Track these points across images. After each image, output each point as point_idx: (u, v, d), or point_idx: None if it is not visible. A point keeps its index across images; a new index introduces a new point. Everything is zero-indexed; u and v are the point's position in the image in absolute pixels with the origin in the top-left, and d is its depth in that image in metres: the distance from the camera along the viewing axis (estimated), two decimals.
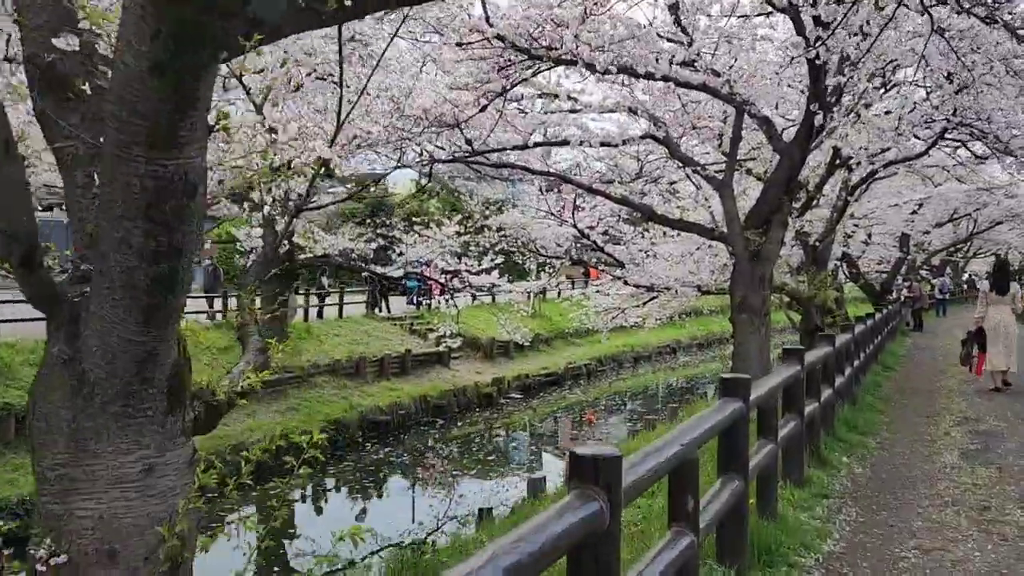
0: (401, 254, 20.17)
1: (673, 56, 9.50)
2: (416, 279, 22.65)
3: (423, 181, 18.23)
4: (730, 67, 10.31)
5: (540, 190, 17.33)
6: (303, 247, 19.51)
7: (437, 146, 10.81)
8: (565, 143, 10.66)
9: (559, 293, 32.35)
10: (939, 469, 7.24)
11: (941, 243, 36.78)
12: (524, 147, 10.79)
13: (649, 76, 9.30)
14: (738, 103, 10.46)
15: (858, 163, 16.91)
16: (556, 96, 11.16)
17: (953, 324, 28.28)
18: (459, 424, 19.74)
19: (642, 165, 14.46)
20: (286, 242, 19.27)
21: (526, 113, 10.53)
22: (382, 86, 9.57)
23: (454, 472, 16.30)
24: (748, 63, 10.91)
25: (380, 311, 25.45)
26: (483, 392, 22.25)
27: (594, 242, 16.93)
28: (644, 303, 19.48)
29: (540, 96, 11.29)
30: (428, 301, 26.96)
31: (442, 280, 23.24)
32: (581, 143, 10.73)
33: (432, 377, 22.04)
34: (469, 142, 10.46)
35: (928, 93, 14.29)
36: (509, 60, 8.84)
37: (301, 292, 22.68)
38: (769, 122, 11.35)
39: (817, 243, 17.44)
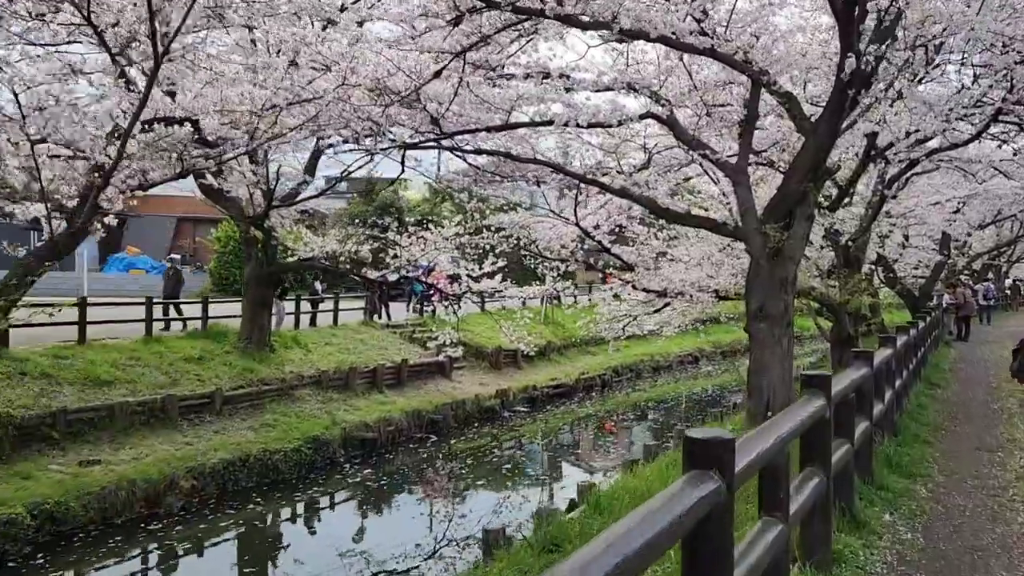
0: (395, 256, 18.75)
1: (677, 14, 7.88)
2: (420, 283, 21.15)
3: (426, 178, 16.62)
4: (745, 30, 8.65)
5: (560, 192, 15.75)
6: (289, 249, 18.19)
7: (401, 125, 9.25)
8: (549, 123, 9.06)
9: (575, 299, 30.73)
10: (1019, 534, 5.47)
11: (982, 246, 34.55)
12: (503, 127, 9.20)
13: (641, 36, 7.67)
14: (754, 72, 8.78)
15: (895, 153, 15.16)
16: (547, 75, 9.57)
17: (1001, 333, 26.15)
18: (454, 441, 18.15)
19: (650, 155, 12.77)
20: (271, 244, 17.94)
21: (500, 88, 8.92)
22: (312, 48, 8.03)
23: (436, 495, 14.71)
24: (766, 28, 9.24)
25: (379, 318, 23.98)
26: (485, 405, 20.65)
27: (599, 242, 15.27)
28: (657, 310, 17.77)
29: (527, 77, 9.70)
30: (432, 307, 25.43)
31: (441, 285, 21.90)
32: (568, 124, 9.11)
33: (430, 389, 20.49)
34: (435, 121, 8.89)
35: (976, 76, 12.52)
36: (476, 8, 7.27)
37: (290, 298, 21.29)
38: (791, 98, 9.66)
39: (850, 243, 15.61)
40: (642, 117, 9.57)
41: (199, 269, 33.51)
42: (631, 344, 30.79)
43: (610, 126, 9.35)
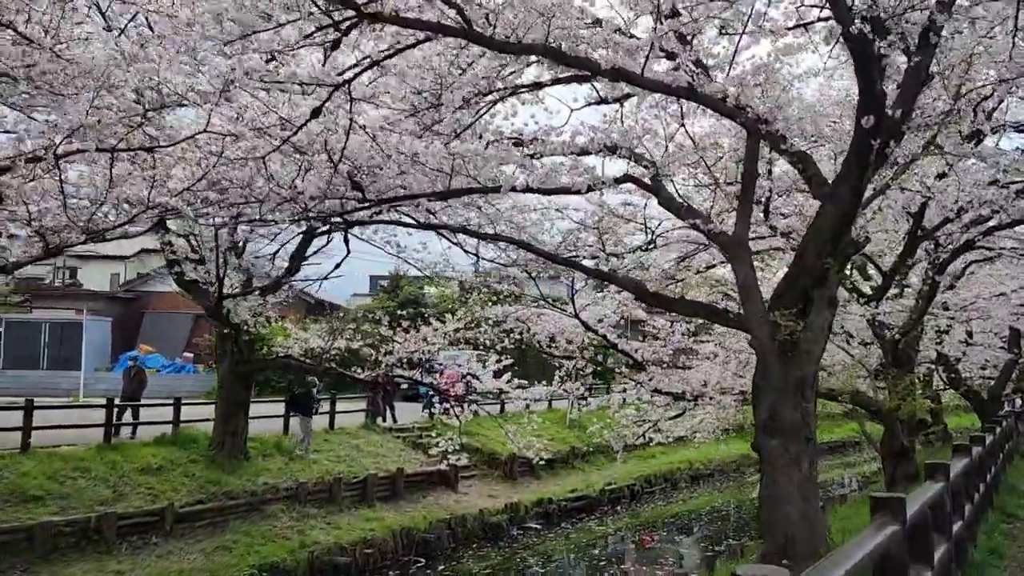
0: (389, 353, 17.06)
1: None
2: (423, 384, 19.32)
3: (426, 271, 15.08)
4: (732, 64, 6.97)
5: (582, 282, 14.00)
6: (266, 342, 16.63)
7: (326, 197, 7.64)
8: (496, 190, 7.37)
9: (608, 399, 28.44)
10: None
11: None
12: (443, 194, 7.53)
13: (596, 71, 6.02)
14: (750, 121, 7.01)
15: (948, 235, 13.09)
16: (519, 143, 7.97)
17: None
18: (443, 567, 15.85)
19: (653, 234, 10.92)
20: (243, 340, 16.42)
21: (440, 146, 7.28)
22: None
23: None
24: (765, 72, 7.54)
25: (384, 421, 22.10)
26: (490, 521, 18.36)
27: (604, 337, 13.35)
28: (678, 414, 15.57)
29: (493, 140, 8.11)
30: (445, 410, 23.45)
31: (451, 385, 20.03)
32: (518, 188, 7.42)
33: (429, 503, 18.35)
34: (357, 186, 7.27)
35: None
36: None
37: (279, 399, 19.62)
38: (805, 157, 7.85)
39: (898, 338, 13.37)
40: (619, 181, 7.83)
41: (211, 368, 32.29)
42: (667, 450, 28.24)
43: (576, 192, 7.61)
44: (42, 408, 14.63)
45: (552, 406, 28.03)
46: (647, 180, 7.80)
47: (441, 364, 22.99)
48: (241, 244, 14.89)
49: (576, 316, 12.82)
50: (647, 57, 6.21)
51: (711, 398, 13.30)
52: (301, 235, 15.58)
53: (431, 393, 22.88)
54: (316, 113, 5.50)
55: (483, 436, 21.88)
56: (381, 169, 7.13)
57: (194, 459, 15.18)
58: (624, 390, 15.81)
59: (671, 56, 6.77)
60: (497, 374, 18.17)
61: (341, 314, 32.27)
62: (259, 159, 6.03)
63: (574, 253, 9.58)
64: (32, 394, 23.70)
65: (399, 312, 25.80)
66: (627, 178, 7.83)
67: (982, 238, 11.88)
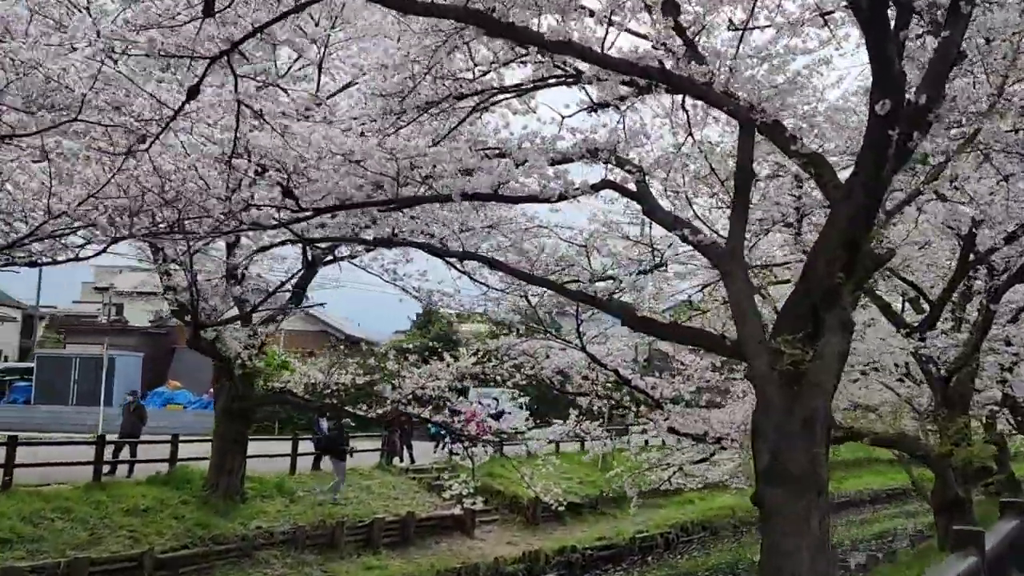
0: (395, 388, 16.11)
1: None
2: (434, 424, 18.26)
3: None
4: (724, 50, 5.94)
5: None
6: (266, 377, 15.81)
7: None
8: (447, 199, 6.38)
9: (646, 440, 26.94)
10: None
11: None
12: (387, 204, 6.58)
13: (540, 43, 5.03)
14: (743, 111, 5.94)
15: (1004, 260, 11.66)
16: (503, 155, 7.03)
17: None
18: None
19: (662, 255, 9.76)
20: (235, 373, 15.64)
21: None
22: None
23: None
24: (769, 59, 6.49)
25: (401, 461, 21.07)
26: (505, 571, 17.08)
27: (616, 372, 12.17)
28: (705, 458, 14.20)
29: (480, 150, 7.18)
30: (454, 449, 22.32)
31: (457, 424, 18.87)
32: (483, 198, 6.44)
33: (441, 550, 17.18)
34: (289, 193, 6.37)
35: None
36: None
37: (286, 437, 18.78)
38: (818, 159, 6.70)
39: (947, 375, 11.87)
40: (596, 188, 6.77)
41: None
42: (706, 496, 26.54)
43: (546, 200, 6.58)
44: (31, 444, 14.01)
45: (584, 446, 26.67)
46: (629, 186, 6.72)
47: (457, 401, 21.93)
48: (240, 272, 14.23)
49: (583, 349, 11.69)
50: (606, 31, 5.20)
51: (733, 440, 11.94)
52: (306, 264, 14.91)
53: (443, 432, 21.81)
54: (193, 93, 4.62)
55: (505, 478, 20.62)
56: (319, 171, 6.21)
57: (186, 500, 14.36)
58: (644, 431, 14.52)
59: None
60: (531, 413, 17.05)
61: (373, 350, 31.59)
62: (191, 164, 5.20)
63: (569, 276, 8.48)
64: (60, 429, 23.52)
65: (432, 346, 24.91)
66: (606, 184, 6.77)
67: None
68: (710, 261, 6.66)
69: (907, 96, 5.70)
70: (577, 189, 6.68)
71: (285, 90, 6.00)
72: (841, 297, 6.07)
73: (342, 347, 30.95)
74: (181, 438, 15.95)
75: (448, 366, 15.43)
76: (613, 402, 13.55)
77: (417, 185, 6.64)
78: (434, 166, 6.53)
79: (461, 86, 6.91)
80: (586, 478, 23.81)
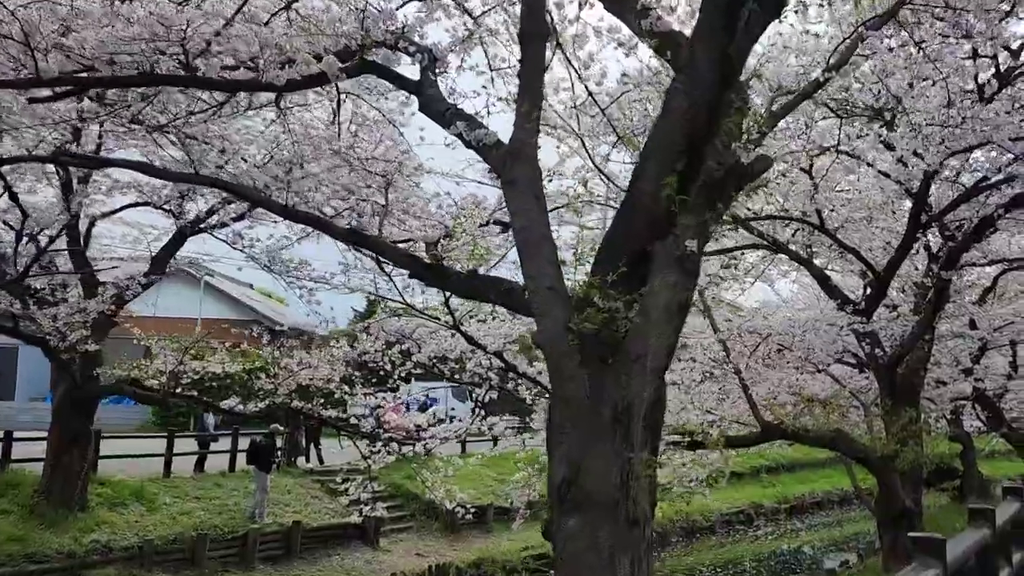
0: (273, 378, 13.94)
1: None
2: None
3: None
4: None
5: None
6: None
7: None
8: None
9: None
10: None
11: None
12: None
13: None
14: None
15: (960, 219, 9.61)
16: None
17: None
18: None
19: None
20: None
21: None
22: None
23: None
24: None
25: (308, 461, 18.87)
26: None
27: (499, 355, 10.11)
28: None
29: None
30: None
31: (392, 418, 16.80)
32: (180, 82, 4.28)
33: (332, 564, 15.04)
34: None
35: None
36: None
37: (160, 435, 16.58)
38: (673, 39, 4.60)
39: (894, 359, 9.82)
40: (351, 72, 4.63)
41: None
42: (660, 501, 24.53)
43: (270, 89, 4.45)
44: None
45: (527, 445, 24.55)
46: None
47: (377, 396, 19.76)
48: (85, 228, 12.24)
49: (455, 328, 9.56)
50: None
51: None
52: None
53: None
54: None
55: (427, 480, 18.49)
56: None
57: (7, 510, 12.15)
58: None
59: None
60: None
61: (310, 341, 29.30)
62: None
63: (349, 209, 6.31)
64: None
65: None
66: (366, 67, 4.64)
67: (1003, 214, 8.34)
68: (490, 166, 4.53)
69: None
70: (316, 76, 4.54)
71: None
72: (678, 222, 3.97)
73: (279, 338, 28.71)
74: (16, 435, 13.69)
75: (328, 358, 13.27)
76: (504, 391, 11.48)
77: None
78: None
79: None
80: (529, 481, 21.70)
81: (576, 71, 6.00)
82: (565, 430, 3.92)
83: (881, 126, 6.86)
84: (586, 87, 6.19)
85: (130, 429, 23.49)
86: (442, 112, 4.49)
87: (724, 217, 4.19)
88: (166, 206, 12.29)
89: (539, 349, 4.29)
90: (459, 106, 4.53)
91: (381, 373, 13.58)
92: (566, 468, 3.89)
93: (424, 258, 5.09)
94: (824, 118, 6.58)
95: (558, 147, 7.59)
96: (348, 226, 5.50)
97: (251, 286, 35.05)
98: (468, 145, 4.36)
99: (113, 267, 13.11)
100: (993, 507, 6.21)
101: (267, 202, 5.47)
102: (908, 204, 9.52)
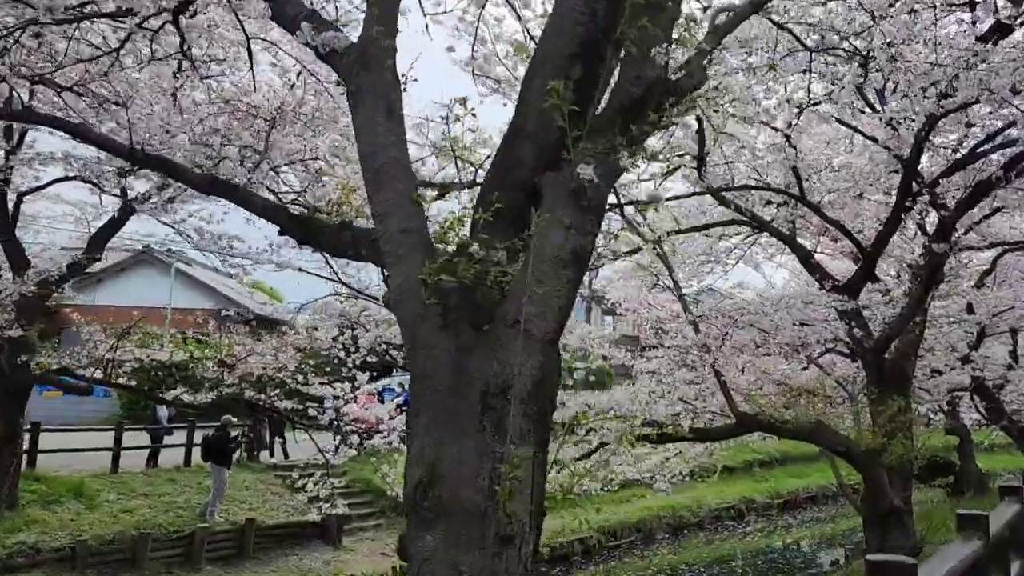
0: (233, 367, 13.06)
1: None
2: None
3: None
4: None
5: None
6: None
7: None
8: None
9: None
10: None
11: None
12: None
13: None
14: None
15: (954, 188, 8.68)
16: None
17: None
18: None
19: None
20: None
21: None
22: None
23: None
24: None
25: (272, 456, 17.99)
26: None
27: None
28: (583, 456, 11.23)
29: None
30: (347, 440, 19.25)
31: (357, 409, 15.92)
32: None
33: (288, 565, 14.14)
34: None
35: None
36: None
37: (108, 428, 15.67)
38: None
39: (882, 342, 8.89)
40: None
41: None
42: (649, 493, 23.63)
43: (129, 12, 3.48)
44: None
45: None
46: None
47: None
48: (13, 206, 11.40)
49: (388, 305, 8.60)
50: None
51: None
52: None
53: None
54: None
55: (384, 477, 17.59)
56: None
57: None
58: None
59: None
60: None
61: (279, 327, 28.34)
62: None
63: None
64: None
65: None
66: None
67: (1002, 180, 7.38)
68: (339, 74, 3.57)
69: None
70: None
71: None
72: (573, 151, 3.02)
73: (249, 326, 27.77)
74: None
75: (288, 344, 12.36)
76: None
77: None
78: None
79: None
80: None
81: None
82: (420, 418, 2.99)
83: (860, 65, 5.91)
84: None
85: (95, 421, 22.58)
86: (292, 17, 3.56)
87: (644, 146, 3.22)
88: (97, 182, 11.38)
89: (392, 311, 3.37)
90: (317, 10, 3.60)
91: (335, 361, 12.69)
92: (421, 469, 2.96)
93: (295, 210, 4.17)
94: (789, 52, 5.65)
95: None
96: (210, 173, 4.56)
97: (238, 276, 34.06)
98: (317, 55, 3.43)
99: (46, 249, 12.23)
100: (987, 513, 5.32)
101: (106, 141, 4.54)
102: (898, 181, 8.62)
